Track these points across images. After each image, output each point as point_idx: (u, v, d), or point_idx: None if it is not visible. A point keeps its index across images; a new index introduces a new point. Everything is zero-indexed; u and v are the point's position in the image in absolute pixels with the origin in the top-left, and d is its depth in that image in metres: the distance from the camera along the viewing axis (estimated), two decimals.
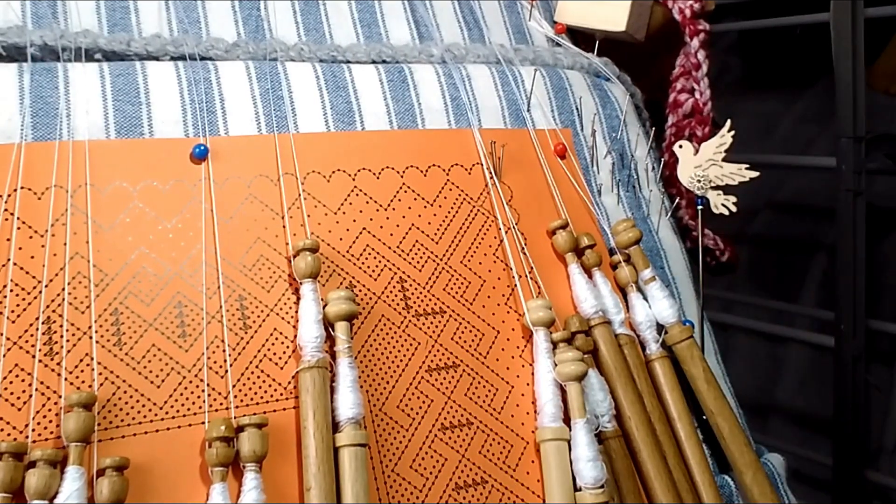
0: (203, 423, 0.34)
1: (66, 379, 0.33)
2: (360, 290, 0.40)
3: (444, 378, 0.39)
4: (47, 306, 0.34)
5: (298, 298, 0.38)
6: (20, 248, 0.34)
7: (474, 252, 0.43)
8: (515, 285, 0.43)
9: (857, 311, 0.65)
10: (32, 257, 0.34)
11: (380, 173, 0.43)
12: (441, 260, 0.42)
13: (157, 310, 0.36)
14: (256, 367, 0.36)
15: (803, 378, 0.87)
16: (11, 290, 0.34)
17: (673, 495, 0.39)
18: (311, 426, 0.34)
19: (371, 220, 0.42)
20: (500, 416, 0.39)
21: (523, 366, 0.41)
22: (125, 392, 0.33)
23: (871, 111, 0.64)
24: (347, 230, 0.41)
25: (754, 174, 0.46)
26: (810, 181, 0.91)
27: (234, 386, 0.35)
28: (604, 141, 0.52)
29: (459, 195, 0.45)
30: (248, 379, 0.36)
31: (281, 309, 0.38)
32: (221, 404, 0.35)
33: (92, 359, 0.33)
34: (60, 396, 0.32)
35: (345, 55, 0.48)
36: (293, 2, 0.49)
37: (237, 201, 0.39)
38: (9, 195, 0.35)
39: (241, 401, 0.35)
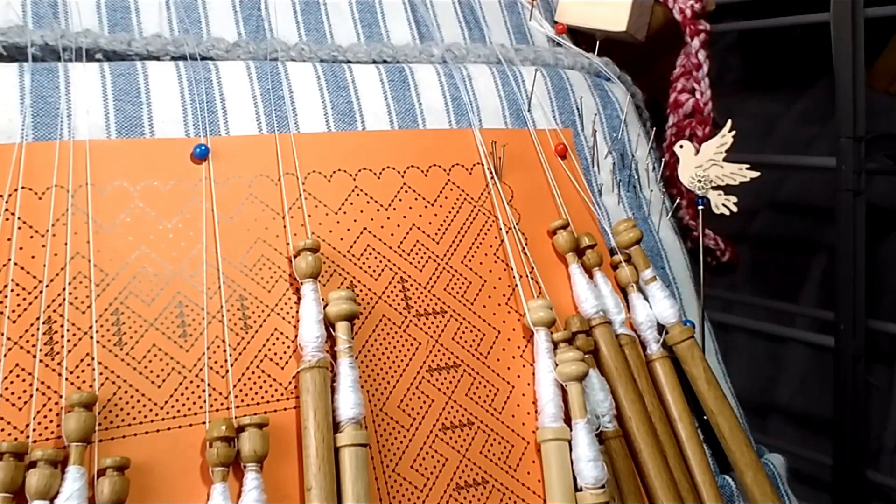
0: (204, 423, 0.34)
1: (66, 379, 0.33)
2: (361, 290, 0.40)
3: (445, 378, 0.39)
4: (48, 306, 0.34)
5: (299, 298, 0.38)
6: (21, 248, 0.34)
7: (475, 252, 0.43)
8: (516, 285, 0.43)
9: (857, 311, 0.65)
10: (33, 257, 0.34)
11: (380, 173, 0.43)
12: (442, 260, 0.42)
13: (158, 310, 0.36)
14: (257, 367, 0.36)
15: (803, 378, 0.87)
16: (12, 290, 0.34)
17: (674, 495, 0.39)
18: (311, 426, 0.34)
19: (372, 220, 0.42)
20: (500, 416, 0.39)
21: (524, 366, 0.41)
22: (126, 392, 0.33)
23: (871, 111, 0.64)
24: (348, 230, 0.41)
25: (755, 174, 0.46)
26: (810, 181, 0.91)
27: (234, 386, 0.35)
28: (604, 141, 0.52)
29: (460, 195, 0.45)
30: (249, 379, 0.36)
31: (282, 309, 0.38)
32: (222, 404, 0.35)
33: (93, 359, 0.33)
34: (61, 396, 0.32)
35: (345, 55, 0.48)
36: (294, 2, 0.49)
37: (238, 201, 0.39)
38: (9, 195, 0.35)
39: (242, 401, 0.35)
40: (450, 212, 0.44)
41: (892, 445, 0.79)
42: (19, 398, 0.32)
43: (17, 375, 0.32)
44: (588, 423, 0.38)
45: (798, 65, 0.98)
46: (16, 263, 0.34)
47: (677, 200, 0.59)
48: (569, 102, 0.52)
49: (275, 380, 0.36)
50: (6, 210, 0.35)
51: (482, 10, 0.56)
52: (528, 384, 0.41)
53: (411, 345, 0.39)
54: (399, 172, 0.44)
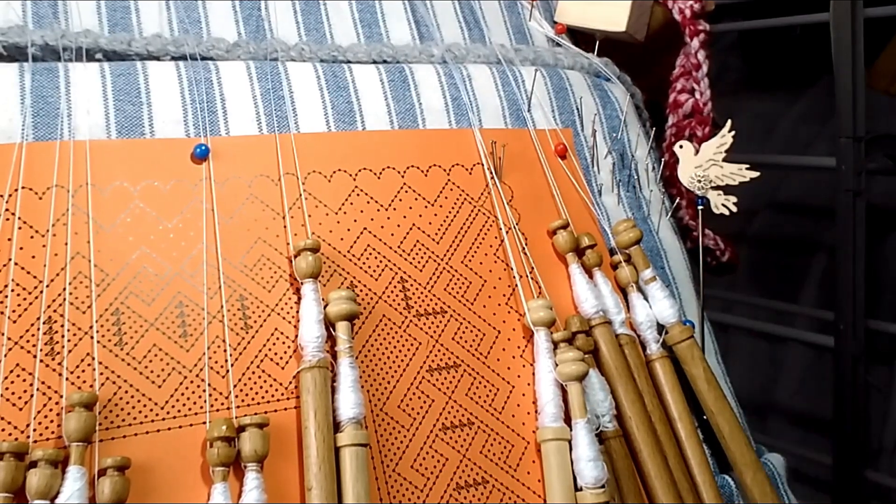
0: (204, 422, 0.34)
1: (67, 379, 0.33)
2: (361, 290, 0.40)
3: (445, 378, 0.39)
4: (48, 306, 0.34)
5: (299, 298, 0.38)
6: (21, 248, 0.34)
7: (475, 252, 0.43)
8: (516, 285, 0.43)
9: (856, 311, 0.65)
10: (33, 257, 0.34)
11: (381, 173, 0.43)
12: (442, 260, 0.42)
13: (158, 309, 0.36)
14: (257, 367, 0.36)
15: (803, 378, 0.87)
16: (13, 290, 0.34)
17: (673, 495, 0.39)
18: (312, 426, 0.34)
19: (372, 220, 0.42)
20: (500, 416, 0.40)
21: (524, 366, 0.41)
22: (126, 392, 0.33)
23: (871, 111, 0.64)
24: (348, 230, 0.41)
25: (754, 174, 0.46)
26: (810, 181, 0.91)
27: (235, 386, 0.35)
28: (604, 141, 0.52)
29: (460, 195, 0.45)
30: (250, 379, 0.36)
31: (282, 309, 0.38)
32: (223, 404, 0.35)
33: (93, 359, 0.33)
34: (62, 396, 0.32)
35: (345, 55, 0.48)
36: (294, 2, 0.49)
37: (238, 201, 0.39)
38: (10, 195, 0.35)
39: (243, 401, 0.35)
40: (450, 212, 0.44)
41: (892, 445, 0.79)
42: (20, 398, 0.32)
43: (18, 375, 0.32)
44: (588, 423, 0.38)
45: (798, 65, 0.98)
46: (16, 263, 0.34)
47: (677, 200, 0.59)
48: (568, 102, 0.52)
49: (275, 380, 0.36)
50: (6, 210, 0.35)
51: (482, 10, 0.56)
52: (528, 384, 0.41)
53: (411, 345, 0.39)
54: (399, 172, 0.44)
